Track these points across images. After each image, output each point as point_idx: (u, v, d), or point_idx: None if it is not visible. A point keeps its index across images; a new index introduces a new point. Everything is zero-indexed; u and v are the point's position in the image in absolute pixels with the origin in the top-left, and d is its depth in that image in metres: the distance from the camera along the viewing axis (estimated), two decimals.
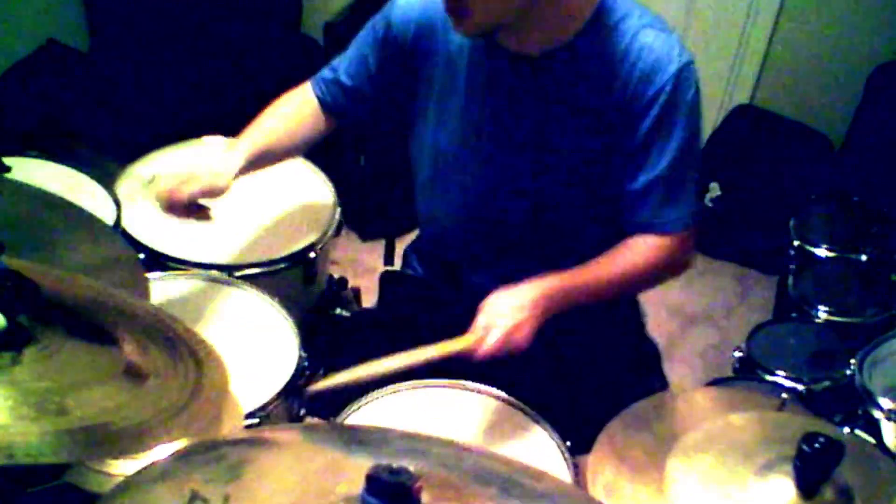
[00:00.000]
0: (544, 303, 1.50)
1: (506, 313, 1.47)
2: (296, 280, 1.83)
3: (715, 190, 3.03)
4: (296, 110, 1.75)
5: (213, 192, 1.62)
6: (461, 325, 1.76)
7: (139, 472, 0.91)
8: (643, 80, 1.50)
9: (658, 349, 1.91)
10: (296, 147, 1.77)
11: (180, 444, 1.03)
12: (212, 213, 1.65)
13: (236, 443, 0.98)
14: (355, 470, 0.85)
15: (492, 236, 1.71)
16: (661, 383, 1.85)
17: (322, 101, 1.75)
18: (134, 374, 1.02)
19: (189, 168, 1.63)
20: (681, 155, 1.54)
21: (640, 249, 1.59)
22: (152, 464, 0.92)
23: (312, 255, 1.83)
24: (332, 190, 1.98)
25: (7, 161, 1.70)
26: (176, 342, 1.12)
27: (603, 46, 1.51)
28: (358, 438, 1.00)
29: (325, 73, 1.76)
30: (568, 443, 1.48)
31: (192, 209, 1.63)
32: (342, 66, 1.73)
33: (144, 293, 1.37)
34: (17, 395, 0.92)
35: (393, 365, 1.44)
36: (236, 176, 1.64)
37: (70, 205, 1.46)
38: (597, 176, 1.60)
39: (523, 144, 1.60)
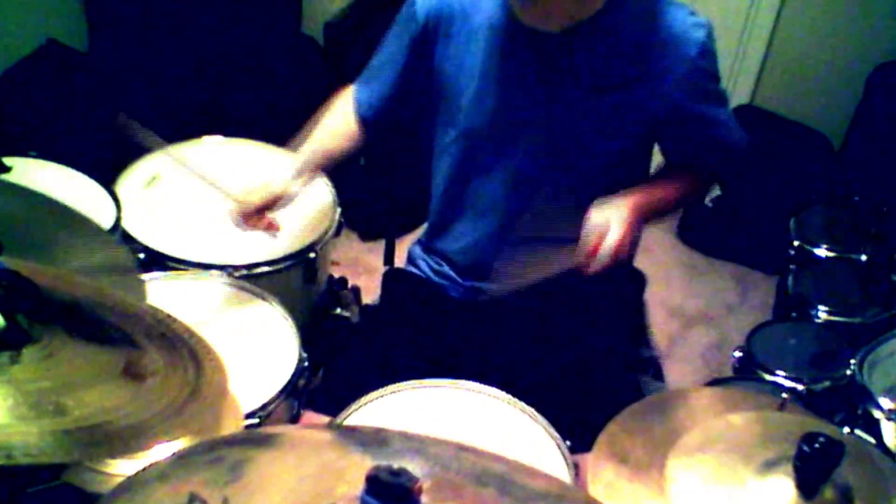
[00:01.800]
0: (639, 213, 1.59)
1: (610, 224, 1.55)
2: (296, 280, 1.83)
3: (715, 190, 3.03)
4: (342, 120, 1.80)
5: (283, 199, 1.74)
6: (463, 324, 1.76)
7: (138, 473, 0.91)
8: (671, 51, 1.55)
9: (658, 352, 1.91)
10: (345, 154, 1.82)
11: (180, 444, 1.03)
12: (280, 226, 1.77)
13: (236, 443, 0.98)
14: (355, 470, 0.85)
15: (511, 225, 1.71)
16: (660, 384, 1.85)
17: (357, 111, 1.79)
18: (133, 375, 1.02)
19: (255, 182, 1.74)
20: (720, 102, 1.66)
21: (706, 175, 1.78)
22: (152, 464, 0.92)
23: (312, 255, 1.83)
24: (332, 190, 1.98)
25: (7, 161, 1.71)
26: (175, 342, 1.12)
27: (625, 22, 1.54)
28: (358, 438, 1.00)
29: (362, 77, 1.80)
30: (568, 443, 1.48)
31: (261, 219, 1.74)
32: (373, 69, 1.77)
33: (141, 295, 1.37)
34: (16, 395, 0.92)
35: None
36: (301, 182, 1.75)
37: (68, 207, 1.46)
38: (625, 150, 1.64)
39: (547, 122, 1.61)
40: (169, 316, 1.18)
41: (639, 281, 1.89)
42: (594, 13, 1.54)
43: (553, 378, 1.68)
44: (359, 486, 0.82)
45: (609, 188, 1.63)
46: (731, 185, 1.84)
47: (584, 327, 1.73)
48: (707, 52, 1.57)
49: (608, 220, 1.55)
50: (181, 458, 0.93)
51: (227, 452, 0.94)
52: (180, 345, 1.11)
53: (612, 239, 1.54)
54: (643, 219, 1.62)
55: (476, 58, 1.63)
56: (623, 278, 1.82)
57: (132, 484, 0.90)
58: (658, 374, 1.86)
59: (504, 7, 1.58)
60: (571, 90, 1.58)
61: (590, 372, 1.73)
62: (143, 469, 0.91)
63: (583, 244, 1.55)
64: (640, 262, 1.88)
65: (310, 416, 1.63)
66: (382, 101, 1.76)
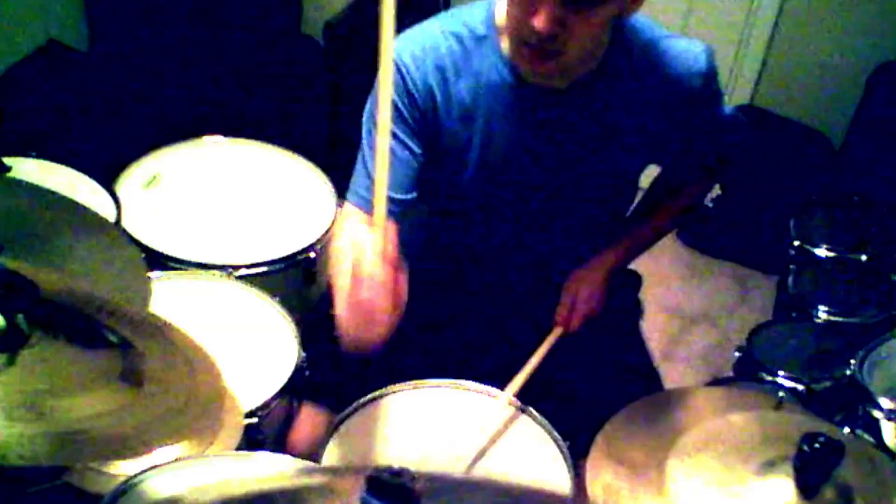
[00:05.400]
0: (611, 275, 1.72)
1: (586, 296, 1.70)
2: (296, 280, 1.83)
3: (715, 190, 3.03)
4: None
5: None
6: (461, 321, 1.76)
7: (138, 474, 0.91)
8: (676, 89, 1.54)
9: (650, 353, 1.90)
10: None
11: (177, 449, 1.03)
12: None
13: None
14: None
15: (525, 261, 1.73)
16: (654, 386, 1.84)
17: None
18: (131, 379, 1.02)
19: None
20: (721, 108, 1.68)
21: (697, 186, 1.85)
22: (152, 465, 0.92)
23: (312, 255, 1.83)
24: (332, 190, 1.98)
25: (7, 161, 1.71)
26: (171, 347, 1.11)
27: (627, 67, 1.52)
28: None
29: (365, 191, 1.58)
30: (568, 443, 1.48)
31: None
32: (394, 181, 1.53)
33: (146, 292, 1.36)
34: (10, 397, 0.92)
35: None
36: None
37: (70, 203, 1.46)
38: (634, 186, 1.71)
39: (556, 174, 1.60)
40: (164, 322, 1.17)
41: (634, 281, 1.89)
42: (596, 64, 1.51)
43: (548, 379, 1.68)
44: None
45: (601, 210, 1.70)
46: (729, 181, 1.84)
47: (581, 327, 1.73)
48: (710, 80, 1.57)
49: (582, 287, 1.69)
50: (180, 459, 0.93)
51: None
52: (176, 351, 1.11)
53: (584, 303, 1.69)
54: (616, 273, 1.75)
55: (477, 115, 1.55)
56: (619, 279, 1.82)
57: (132, 484, 0.90)
58: (652, 377, 1.86)
59: (504, 64, 1.51)
60: (578, 144, 1.57)
61: (583, 374, 1.73)
62: (143, 469, 0.91)
63: (561, 308, 1.69)
64: (640, 263, 1.87)
65: (308, 409, 1.63)
66: (410, 195, 1.59)
